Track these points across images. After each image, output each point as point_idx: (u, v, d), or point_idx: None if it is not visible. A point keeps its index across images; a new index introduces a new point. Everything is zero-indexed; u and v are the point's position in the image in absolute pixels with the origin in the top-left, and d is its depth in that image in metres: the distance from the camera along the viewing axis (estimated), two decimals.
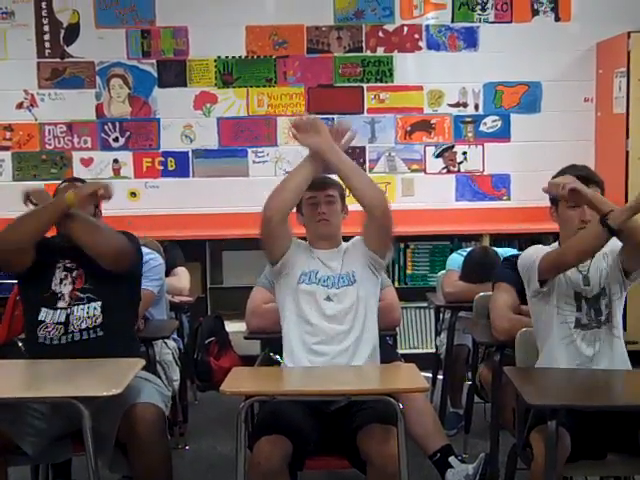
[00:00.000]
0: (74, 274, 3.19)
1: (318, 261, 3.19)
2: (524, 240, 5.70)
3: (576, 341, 3.00)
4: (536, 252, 3.08)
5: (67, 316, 3.14)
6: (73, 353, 3.03)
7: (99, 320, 3.15)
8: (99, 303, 3.16)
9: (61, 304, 3.15)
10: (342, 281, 3.16)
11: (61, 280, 3.18)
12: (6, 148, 5.88)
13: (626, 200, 5.35)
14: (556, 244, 3.17)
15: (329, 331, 3.10)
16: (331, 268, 3.18)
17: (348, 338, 3.10)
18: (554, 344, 3.01)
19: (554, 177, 3.10)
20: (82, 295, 3.16)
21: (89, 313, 3.15)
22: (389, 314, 3.44)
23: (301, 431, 2.86)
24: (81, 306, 3.15)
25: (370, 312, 3.17)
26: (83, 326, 3.13)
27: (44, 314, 3.14)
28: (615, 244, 2.95)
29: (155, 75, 5.89)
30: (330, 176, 3.28)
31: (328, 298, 3.13)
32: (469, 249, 4.65)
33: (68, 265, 3.20)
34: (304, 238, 3.29)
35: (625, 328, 3.14)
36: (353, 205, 3.21)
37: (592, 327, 3.00)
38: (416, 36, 5.94)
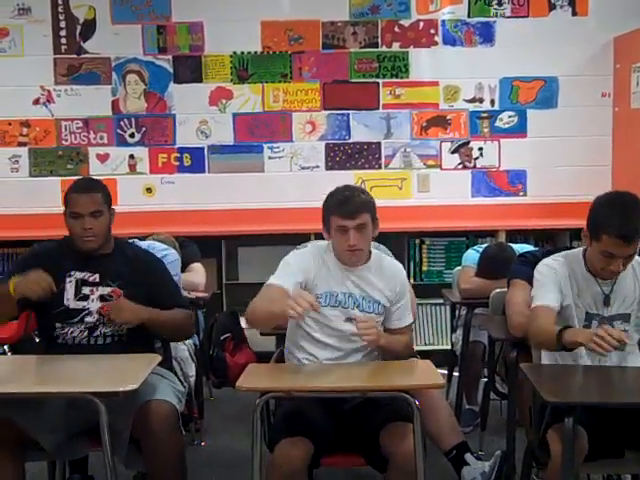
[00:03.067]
0: (106, 291, 3.15)
1: (343, 277, 3.10)
2: (540, 236, 5.69)
3: (579, 361, 2.97)
4: (544, 277, 3.02)
5: (93, 327, 3.15)
6: (92, 352, 3.07)
7: (126, 333, 3.18)
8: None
9: (89, 319, 3.15)
10: (368, 306, 3.09)
11: (84, 296, 3.15)
12: (23, 144, 5.89)
13: None
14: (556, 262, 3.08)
15: (342, 347, 3.09)
16: (358, 286, 3.10)
17: (361, 353, 3.11)
18: (549, 353, 3.00)
19: (598, 206, 2.94)
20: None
21: (120, 330, 3.17)
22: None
23: (319, 430, 2.85)
24: (115, 326, 3.15)
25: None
26: (108, 333, 3.16)
27: (60, 328, 3.15)
28: None
29: (171, 71, 5.90)
30: (358, 189, 3.18)
31: (348, 319, 3.06)
32: (485, 245, 4.64)
33: (90, 280, 3.17)
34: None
35: None
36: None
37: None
38: (432, 31, 5.92)
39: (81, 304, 3.15)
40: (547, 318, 2.91)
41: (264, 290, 3.03)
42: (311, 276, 3.07)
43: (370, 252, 3.17)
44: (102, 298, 3.15)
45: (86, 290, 3.16)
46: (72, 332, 3.14)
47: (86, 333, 3.14)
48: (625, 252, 2.87)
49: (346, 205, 3.03)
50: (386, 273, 3.17)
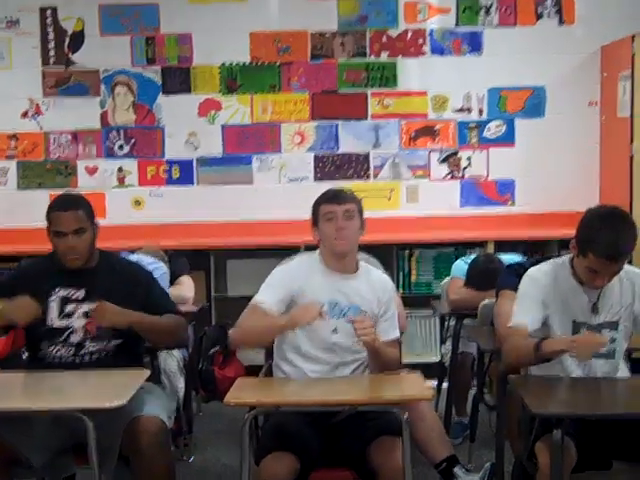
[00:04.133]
0: (90, 308, 3.11)
1: (330, 286, 3.12)
2: (529, 246, 5.69)
3: (569, 367, 2.98)
4: (525, 291, 3.04)
5: (79, 345, 3.13)
6: (79, 369, 3.06)
7: (112, 349, 3.16)
8: (120, 340, 3.16)
9: (74, 338, 3.13)
10: (354, 314, 3.08)
11: (68, 314, 3.13)
12: (11, 157, 5.88)
13: (630, 205, 5.33)
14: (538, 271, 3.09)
15: (329, 361, 3.10)
16: (345, 295, 3.11)
17: (349, 367, 3.12)
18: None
19: (587, 221, 2.91)
20: (104, 334, 3.13)
21: (107, 347, 3.15)
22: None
23: (306, 445, 2.85)
24: (102, 343, 3.14)
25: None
26: (94, 351, 3.15)
27: (45, 346, 3.14)
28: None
29: (159, 82, 5.89)
30: (346, 189, 3.26)
31: (335, 330, 3.09)
32: (473, 256, 4.64)
33: (73, 297, 3.15)
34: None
35: None
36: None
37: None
38: (420, 41, 5.93)
39: (65, 322, 3.13)
40: (521, 336, 2.92)
41: (249, 311, 3.08)
42: (296, 287, 3.10)
43: (357, 263, 3.19)
44: (86, 315, 3.13)
45: (70, 308, 3.14)
46: (58, 350, 3.13)
47: (72, 351, 3.13)
48: (610, 270, 2.87)
49: (335, 193, 3.17)
50: (374, 284, 3.18)
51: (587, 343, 2.71)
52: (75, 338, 3.13)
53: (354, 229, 3.13)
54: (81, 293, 3.15)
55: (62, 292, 3.16)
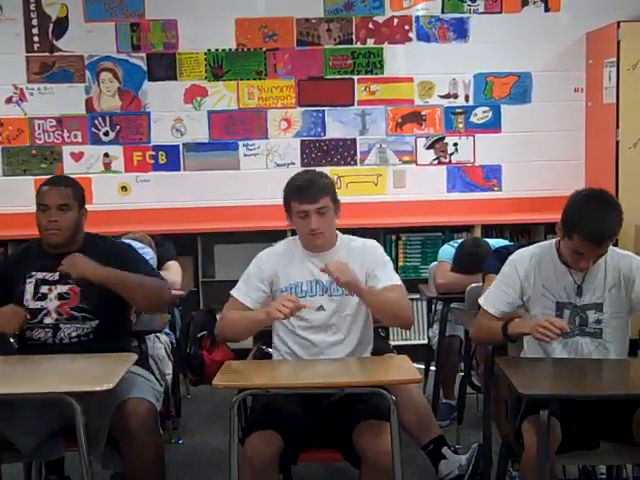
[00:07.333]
0: (64, 290, 3.12)
1: (309, 265, 3.11)
2: (515, 230, 5.73)
3: (555, 350, 3.01)
4: (504, 274, 3.10)
5: (55, 328, 3.12)
6: (65, 351, 3.05)
7: (91, 332, 3.15)
8: (96, 322, 3.15)
9: (47, 320, 3.12)
10: (337, 290, 3.06)
11: (42, 295, 3.13)
12: None
13: (616, 189, 5.37)
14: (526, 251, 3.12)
15: (319, 343, 3.10)
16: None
17: (342, 349, 3.11)
18: (532, 344, 3.04)
19: (573, 204, 2.93)
20: (77, 314, 3.12)
21: (83, 330, 3.14)
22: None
23: (293, 426, 2.85)
24: (76, 324, 3.12)
25: (369, 320, 3.16)
26: (74, 335, 3.13)
27: (26, 330, 3.13)
28: (629, 269, 2.98)
29: (145, 69, 5.86)
30: (316, 173, 3.17)
31: (321, 307, 3.08)
32: (460, 240, 4.66)
33: (49, 278, 3.14)
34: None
35: None
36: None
37: (574, 335, 2.98)
38: (406, 27, 5.93)
39: (39, 303, 3.13)
40: (488, 318, 3.07)
41: (229, 305, 3.12)
42: (274, 273, 3.11)
43: (336, 236, 3.17)
44: (60, 297, 3.13)
45: (44, 289, 3.13)
46: (38, 333, 3.13)
47: (50, 333, 3.12)
48: (595, 252, 2.89)
49: (305, 190, 3.05)
50: (355, 252, 3.14)
51: (550, 329, 2.80)
52: (49, 320, 3.12)
53: (329, 222, 3.09)
54: (55, 275, 3.14)
55: (39, 275, 3.15)
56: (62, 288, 3.13)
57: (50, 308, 3.12)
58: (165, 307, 3.70)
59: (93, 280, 3.05)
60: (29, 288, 3.14)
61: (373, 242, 3.24)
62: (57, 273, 3.13)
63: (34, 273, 3.15)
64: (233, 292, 3.14)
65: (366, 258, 3.13)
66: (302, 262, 3.11)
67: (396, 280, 3.14)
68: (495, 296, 3.08)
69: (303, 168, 5.73)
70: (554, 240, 3.09)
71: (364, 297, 3.02)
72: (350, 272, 2.94)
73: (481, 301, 3.12)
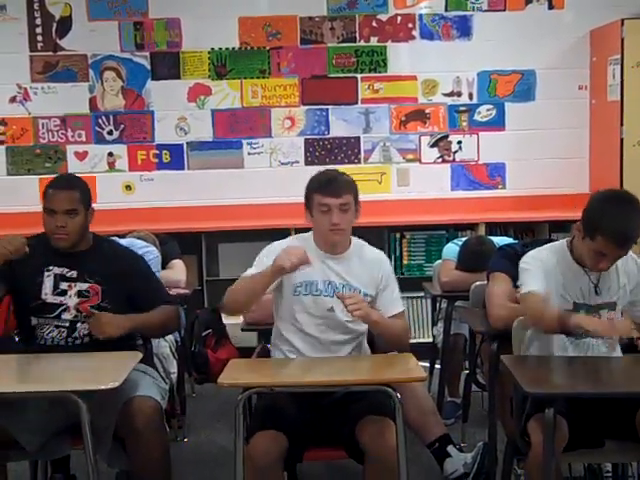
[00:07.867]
0: (84, 287, 3.13)
1: (323, 266, 3.09)
2: (519, 228, 5.72)
3: (567, 351, 2.99)
4: (530, 267, 2.99)
5: (71, 325, 3.13)
6: (73, 351, 3.05)
7: None
8: None
9: (66, 316, 3.12)
10: (349, 291, 3.04)
11: (62, 291, 3.13)
12: (0, 142, 5.85)
13: (621, 187, 5.35)
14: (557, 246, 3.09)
15: (325, 341, 3.09)
16: (338, 274, 3.08)
17: (347, 348, 3.11)
18: (537, 342, 3.01)
19: (596, 204, 2.90)
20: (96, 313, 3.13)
21: None
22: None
23: (297, 425, 2.85)
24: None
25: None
26: (87, 333, 3.14)
27: (35, 322, 3.13)
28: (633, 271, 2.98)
29: (148, 67, 5.87)
30: (341, 173, 3.15)
31: (332, 309, 3.06)
32: (465, 238, 4.66)
33: (68, 275, 3.14)
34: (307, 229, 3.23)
35: None
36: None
37: (586, 336, 2.92)
38: (410, 25, 5.92)
39: (58, 299, 3.13)
40: (540, 301, 2.87)
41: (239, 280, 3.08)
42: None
43: (350, 240, 3.16)
44: (80, 294, 3.13)
45: (64, 285, 3.13)
46: (50, 332, 3.13)
47: (65, 333, 3.12)
48: (617, 254, 2.87)
49: (330, 184, 3.04)
50: (368, 261, 3.15)
51: (621, 331, 2.79)
52: (67, 316, 3.12)
53: (350, 221, 3.07)
54: (73, 273, 3.15)
55: (57, 270, 3.15)
56: (82, 286, 3.14)
57: (70, 305, 3.13)
58: (172, 332, 3.84)
59: (118, 335, 3.07)
60: (48, 282, 3.13)
61: (380, 254, 3.24)
62: (75, 271, 3.14)
63: (51, 268, 3.14)
64: (244, 274, 3.09)
65: (379, 272, 3.14)
66: (317, 262, 3.07)
67: (401, 306, 3.19)
68: (531, 280, 2.93)
69: (307, 167, 5.84)
70: (564, 240, 3.07)
71: (373, 327, 3.06)
72: (364, 306, 2.94)
73: (523, 291, 2.94)
